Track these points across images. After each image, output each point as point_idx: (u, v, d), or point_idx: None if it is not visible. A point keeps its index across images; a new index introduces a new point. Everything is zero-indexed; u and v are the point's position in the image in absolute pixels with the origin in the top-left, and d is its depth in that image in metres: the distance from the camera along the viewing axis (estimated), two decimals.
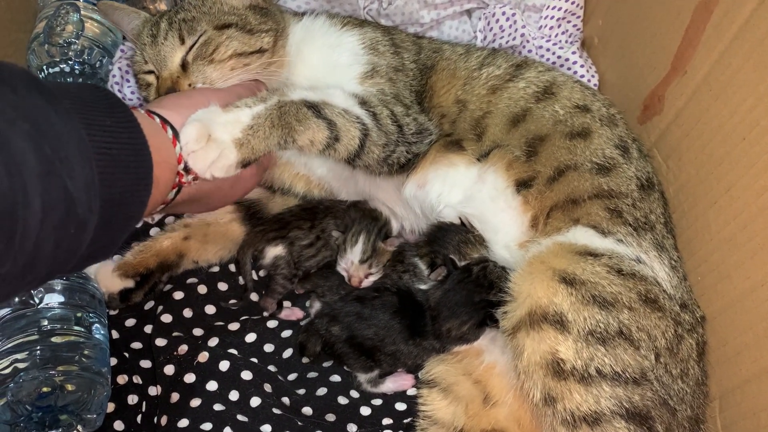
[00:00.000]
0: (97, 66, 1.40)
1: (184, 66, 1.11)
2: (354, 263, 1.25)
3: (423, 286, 1.22)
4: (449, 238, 1.20)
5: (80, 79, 1.37)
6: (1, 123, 0.58)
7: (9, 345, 1.06)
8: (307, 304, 1.30)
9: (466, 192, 1.20)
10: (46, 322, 1.10)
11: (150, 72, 1.15)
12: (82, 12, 1.39)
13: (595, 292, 0.98)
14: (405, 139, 1.15)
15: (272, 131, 0.98)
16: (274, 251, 1.25)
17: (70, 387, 1.05)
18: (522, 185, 1.15)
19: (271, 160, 1.21)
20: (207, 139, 0.92)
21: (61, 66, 1.36)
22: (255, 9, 1.19)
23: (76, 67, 1.36)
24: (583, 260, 1.01)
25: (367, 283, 1.25)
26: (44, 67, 1.34)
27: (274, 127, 0.98)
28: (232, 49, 1.11)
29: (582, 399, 0.94)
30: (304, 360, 1.20)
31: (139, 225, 1.32)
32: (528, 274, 1.03)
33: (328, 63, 1.22)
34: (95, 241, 0.69)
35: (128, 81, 1.40)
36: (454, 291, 1.16)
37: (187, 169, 0.91)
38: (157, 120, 0.89)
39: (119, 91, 1.39)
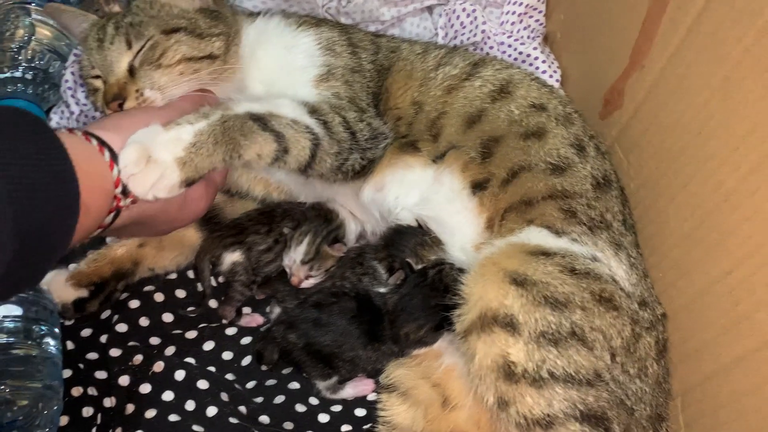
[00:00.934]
0: (49, 71, 1.37)
1: (131, 71, 1.07)
2: (296, 262, 1.23)
3: (382, 290, 1.20)
4: (406, 241, 1.19)
5: (32, 85, 1.34)
6: None
7: None
8: (268, 309, 1.28)
9: (423, 194, 1.18)
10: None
11: (97, 77, 1.12)
12: (33, 16, 1.37)
13: (547, 293, 0.97)
14: (359, 145, 1.13)
15: (216, 148, 0.94)
16: (232, 257, 1.23)
17: (20, 402, 1.03)
18: (477, 187, 1.13)
19: (224, 178, 1.17)
20: (147, 160, 0.88)
21: (13, 71, 1.33)
22: (206, 12, 1.16)
23: (28, 72, 1.34)
24: (535, 260, 1.00)
25: (306, 284, 1.23)
26: None
27: (218, 143, 0.95)
28: (181, 54, 1.08)
29: (534, 402, 0.93)
30: (263, 368, 1.18)
31: None
32: (480, 276, 1.02)
33: (282, 65, 1.20)
34: (13, 275, 0.67)
35: (82, 86, 1.37)
36: (410, 295, 1.14)
37: (125, 192, 0.88)
38: (95, 143, 0.86)
39: (72, 95, 1.36)
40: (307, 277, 1.22)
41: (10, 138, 0.70)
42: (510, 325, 0.96)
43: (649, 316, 1.04)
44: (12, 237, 0.66)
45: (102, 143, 0.87)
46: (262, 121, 1.00)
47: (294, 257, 1.22)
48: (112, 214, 0.87)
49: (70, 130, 0.85)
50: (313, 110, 1.09)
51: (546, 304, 0.97)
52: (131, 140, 0.90)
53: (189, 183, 0.94)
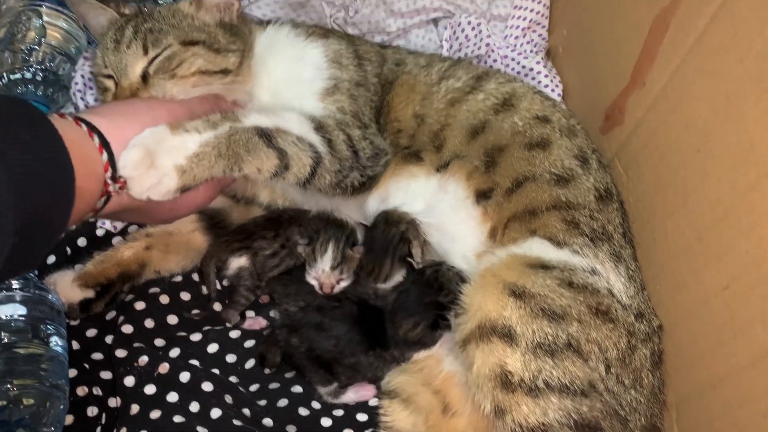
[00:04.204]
0: (59, 73, 1.38)
1: (144, 77, 1.08)
2: (325, 271, 1.24)
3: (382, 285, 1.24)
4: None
5: (42, 86, 1.35)
6: None
7: None
8: (272, 313, 1.29)
9: (427, 202, 1.20)
10: (2, 335, 1.09)
11: (109, 77, 1.12)
12: (44, 18, 1.38)
13: (545, 305, 0.99)
14: (359, 164, 1.15)
15: (218, 160, 0.96)
16: (238, 262, 1.24)
17: (26, 401, 1.04)
18: (482, 196, 1.15)
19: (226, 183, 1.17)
20: (149, 165, 0.90)
21: (23, 72, 1.34)
22: (226, 28, 1.16)
23: (38, 74, 1.35)
24: (534, 273, 1.02)
25: (338, 289, 1.25)
26: (4, 73, 1.33)
27: (220, 156, 0.96)
28: (196, 67, 1.09)
29: (530, 411, 0.95)
30: (266, 371, 1.20)
31: (101, 234, 1.31)
32: (480, 287, 1.04)
33: (291, 76, 1.21)
34: (14, 259, 0.68)
35: (91, 89, 1.39)
36: (406, 292, 1.19)
37: (114, 178, 0.88)
38: (84, 128, 0.86)
39: (82, 98, 1.38)
40: (338, 281, 1.24)
41: (7, 127, 0.71)
42: (508, 336, 0.98)
43: (646, 328, 1.07)
44: (12, 225, 0.67)
45: (92, 128, 0.87)
46: (267, 137, 1.01)
47: (322, 266, 1.23)
48: (103, 199, 0.88)
49: (61, 115, 0.85)
50: (319, 126, 1.11)
51: (543, 316, 0.99)
52: (136, 141, 0.91)
53: (184, 190, 0.95)
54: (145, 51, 1.09)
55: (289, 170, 1.03)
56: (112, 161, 0.88)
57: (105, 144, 0.87)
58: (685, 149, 1.06)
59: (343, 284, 1.25)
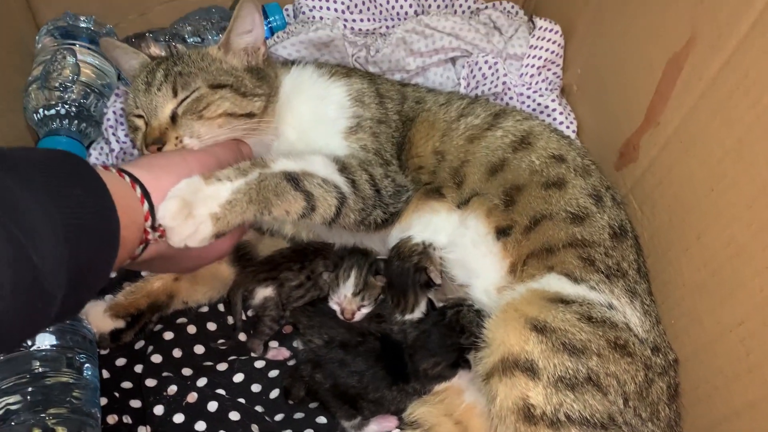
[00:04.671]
0: (91, 109, 1.43)
1: (173, 118, 1.13)
2: (347, 296, 1.28)
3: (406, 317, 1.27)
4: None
5: (75, 121, 1.41)
6: None
7: (1, 387, 1.08)
8: (295, 344, 1.32)
9: (449, 237, 1.24)
10: (37, 364, 1.12)
11: (140, 116, 1.17)
12: (78, 56, 1.44)
13: (565, 340, 1.02)
14: (382, 201, 1.18)
15: (249, 206, 0.99)
16: (264, 292, 1.28)
17: (60, 429, 1.07)
18: (501, 233, 1.19)
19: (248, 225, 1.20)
20: (187, 215, 0.93)
21: (57, 108, 1.39)
22: (253, 72, 1.21)
23: (72, 109, 1.40)
24: (554, 308, 1.05)
25: (359, 315, 1.28)
26: (41, 109, 1.38)
27: (251, 202, 0.99)
28: (223, 109, 1.13)
29: None
30: (290, 401, 1.23)
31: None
32: (502, 321, 1.07)
33: (315, 115, 1.26)
34: (62, 307, 0.71)
35: (122, 124, 1.44)
36: (428, 332, 1.21)
37: (153, 227, 0.92)
38: (127, 179, 0.90)
39: (113, 134, 1.43)
40: (359, 308, 1.28)
41: (62, 181, 0.74)
42: (530, 370, 1.01)
43: (662, 362, 1.10)
44: (66, 276, 0.70)
45: (134, 179, 0.91)
46: (295, 180, 1.05)
47: (344, 292, 1.27)
48: (141, 246, 0.92)
49: (105, 167, 0.89)
50: (343, 167, 1.14)
51: (564, 350, 1.02)
52: (174, 193, 0.94)
53: (219, 236, 0.98)
54: (175, 93, 1.14)
55: (316, 211, 1.07)
56: (152, 211, 0.91)
57: (146, 194, 0.91)
58: (699, 188, 1.09)
59: (365, 311, 1.29)
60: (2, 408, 1.05)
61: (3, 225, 0.62)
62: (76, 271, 0.71)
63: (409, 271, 1.23)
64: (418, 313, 1.26)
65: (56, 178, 0.74)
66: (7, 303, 0.62)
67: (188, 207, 0.94)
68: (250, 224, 1.19)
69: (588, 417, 0.99)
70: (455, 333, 1.20)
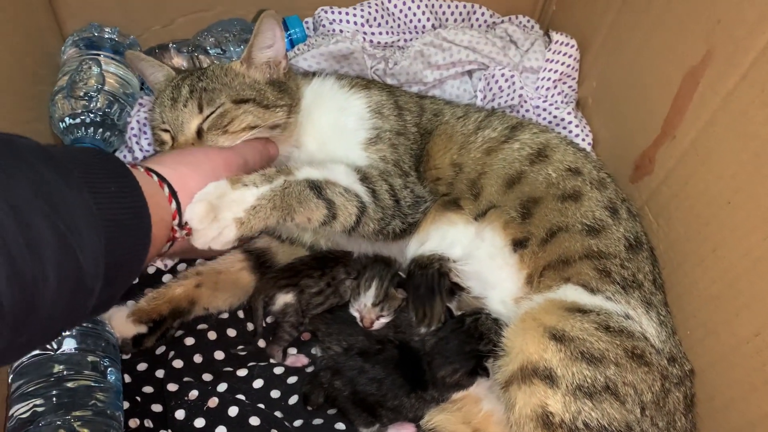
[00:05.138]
0: (115, 118, 1.46)
1: (199, 133, 1.16)
2: (367, 306, 1.30)
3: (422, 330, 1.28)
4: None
5: (100, 129, 1.43)
6: (24, 204, 0.63)
7: (28, 389, 1.10)
8: (313, 350, 1.34)
9: (465, 249, 1.26)
10: (60, 367, 1.14)
11: (166, 131, 1.20)
12: (103, 66, 1.47)
13: (583, 349, 1.04)
14: (401, 211, 1.21)
15: (273, 212, 1.02)
16: (285, 299, 1.30)
17: (85, 431, 1.09)
18: (518, 245, 1.20)
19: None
20: (213, 219, 0.96)
21: (82, 117, 1.42)
22: (275, 85, 1.24)
23: (97, 118, 1.43)
24: (572, 317, 1.07)
25: (378, 324, 1.30)
26: (66, 118, 1.41)
27: (275, 208, 1.02)
28: (246, 123, 1.16)
29: None
30: (309, 408, 1.24)
31: (151, 272, 1.38)
32: (520, 330, 1.09)
33: (335, 126, 1.28)
34: (97, 300, 0.74)
35: (145, 133, 1.47)
36: (446, 339, 1.22)
37: (180, 225, 0.94)
38: (155, 178, 0.93)
39: (137, 143, 1.46)
40: (378, 318, 1.29)
41: (99, 178, 0.77)
42: (549, 378, 1.03)
43: (678, 372, 1.11)
44: (103, 269, 0.73)
45: (161, 178, 0.94)
46: (318, 188, 1.08)
47: (364, 301, 1.29)
48: (168, 243, 0.94)
49: (133, 165, 0.91)
50: (364, 177, 1.17)
51: (582, 359, 1.04)
52: (200, 196, 0.97)
53: (242, 240, 1.01)
54: (200, 109, 1.17)
55: (336, 219, 1.09)
56: (179, 209, 0.94)
57: (173, 193, 0.94)
58: (715, 200, 1.11)
59: (383, 320, 1.30)
60: (29, 410, 1.08)
61: (49, 218, 0.65)
62: (111, 265, 0.73)
63: (434, 277, 1.25)
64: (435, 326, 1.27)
65: (94, 175, 0.76)
66: (53, 293, 0.64)
67: (214, 210, 0.96)
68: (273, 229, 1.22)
69: (606, 425, 1.00)
70: (474, 340, 1.21)
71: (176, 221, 0.94)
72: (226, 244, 0.99)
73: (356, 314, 1.31)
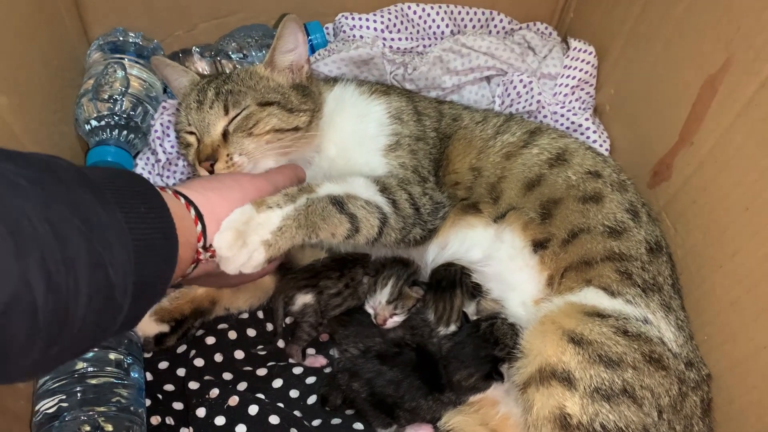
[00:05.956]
0: (139, 120, 1.49)
1: (224, 135, 1.18)
2: (381, 303, 1.31)
3: (444, 331, 1.30)
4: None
5: (124, 132, 1.46)
6: (62, 222, 0.65)
7: (53, 386, 1.13)
8: (331, 352, 1.36)
9: (485, 251, 1.27)
10: (85, 365, 1.16)
11: (191, 133, 1.23)
12: (127, 70, 1.50)
13: (601, 352, 1.05)
14: (421, 219, 1.22)
15: (298, 231, 1.03)
16: (304, 299, 1.32)
17: (109, 427, 1.11)
18: (538, 246, 1.21)
19: None
20: (241, 245, 0.97)
21: (107, 119, 1.45)
22: (298, 89, 1.26)
23: (121, 121, 1.46)
24: (591, 321, 1.08)
25: (391, 322, 1.31)
26: (91, 120, 1.44)
27: (300, 227, 1.03)
28: (271, 125, 1.18)
29: None
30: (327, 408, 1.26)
31: None
32: (539, 333, 1.10)
33: (356, 133, 1.30)
34: (125, 318, 0.75)
35: (168, 136, 1.49)
36: (462, 344, 1.24)
37: (205, 248, 0.96)
38: (182, 201, 0.95)
39: (160, 145, 1.48)
40: (391, 316, 1.31)
41: (131, 200, 0.79)
42: (567, 380, 1.04)
43: (695, 376, 1.11)
44: (132, 288, 0.74)
45: (188, 201, 0.96)
46: (340, 204, 1.09)
47: (379, 299, 1.31)
48: (192, 265, 0.96)
49: (162, 189, 0.93)
50: (384, 188, 1.18)
51: (600, 362, 1.05)
52: (227, 224, 0.98)
53: (270, 261, 1.02)
54: (226, 111, 1.19)
55: (360, 232, 1.11)
56: (204, 232, 0.96)
57: (199, 216, 0.96)
58: (733, 207, 1.12)
59: (397, 319, 1.32)
60: (55, 405, 1.10)
61: (85, 236, 0.67)
62: (139, 283, 0.75)
63: (457, 274, 1.28)
64: (453, 326, 1.29)
65: (125, 195, 0.78)
66: (85, 309, 0.66)
67: (242, 237, 0.98)
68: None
69: (623, 428, 1.01)
70: (489, 345, 1.22)
71: (201, 243, 0.96)
72: (256, 267, 1.00)
73: (371, 311, 1.32)
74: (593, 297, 1.13)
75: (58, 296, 0.62)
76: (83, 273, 0.66)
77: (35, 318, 0.60)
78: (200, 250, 0.96)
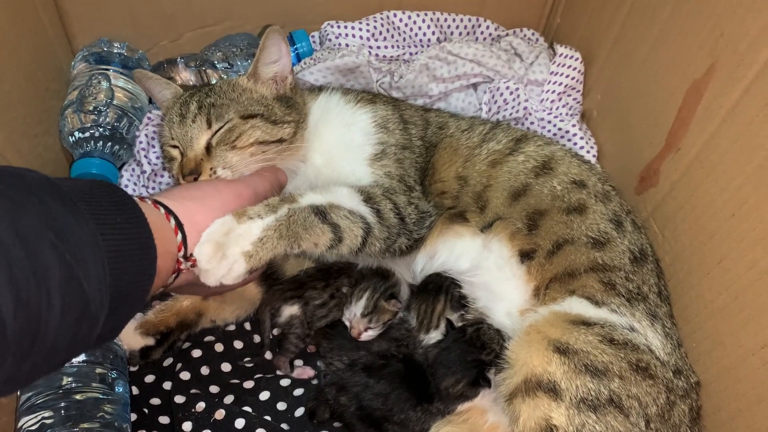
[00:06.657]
0: (124, 131, 1.48)
1: (207, 149, 1.16)
2: (356, 315, 1.30)
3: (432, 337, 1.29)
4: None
5: (109, 143, 1.45)
6: (32, 235, 0.64)
7: (37, 402, 1.11)
8: (319, 363, 1.35)
9: (473, 260, 1.26)
10: (70, 380, 1.15)
11: (175, 147, 1.21)
12: (112, 81, 1.49)
13: (587, 362, 1.04)
14: (406, 229, 1.21)
15: (280, 241, 1.01)
16: (290, 310, 1.31)
17: None
18: (525, 256, 1.21)
19: None
20: (221, 257, 0.96)
21: (91, 131, 1.44)
22: (282, 100, 1.25)
23: (106, 132, 1.45)
24: (576, 330, 1.07)
25: (365, 336, 1.30)
26: (76, 132, 1.43)
27: (281, 237, 1.01)
28: (254, 138, 1.17)
29: None
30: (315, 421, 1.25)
31: None
32: (525, 343, 1.09)
33: (342, 142, 1.29)
34: (102, 330, 0.74)
35: (153, 147, 1.48)
36: (448, 349, 1.23)
37: (186, 257, 0.95)
38: (162, 210, 0.93)
39: (145, 156, 1.47)
40: (366, 329, 1.30)
41: (106, 211, 0.78)
42: (553, 391, 1.03)
43: (684, 384, 1.11)
44: (108, 300, 0.73)
45: (168, 211, 0.94)
46: (322, 213, 1.08)
47: (354, 311, 1.30)
48: (174, 275, 0.95)
49: (141, 198, 0.93)
50: (368, 198, 1.17)
51: (586, 372, 1.04)
52: (207, 237, 0.97)
53: (252, 272, 1.01)
54: (209, 125, 1.18)
55: (343, 242, 1.09)
56: (185, 242, 0.94)
57: (179, 225, 0.94)
58: (720, 213, 1.11)
59: (372, 333, 1.31)
60: (38, 422, 1.09)
61: (57, 249, 0.66)
62: (116, 295, 0.74)
63: (446, 281, 1.28)
64: (438, 334, 1.28)
65: (100, 206, 0.77)
66: (58, 323, 0.65)
67: (221, 249, 0.97)
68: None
69: None
70: (476, 349, 1.22)
71: (181, 253, 0.94)
72: (236, 278, 0.99)
73: (347, 322, 1.32)
74: (578, 306, 1.12)
75: (27, 311, 0.61)
76: (55, 286, 0.65)
77: (3, 334, 0.59)
78: (181, 259, 0.94)
